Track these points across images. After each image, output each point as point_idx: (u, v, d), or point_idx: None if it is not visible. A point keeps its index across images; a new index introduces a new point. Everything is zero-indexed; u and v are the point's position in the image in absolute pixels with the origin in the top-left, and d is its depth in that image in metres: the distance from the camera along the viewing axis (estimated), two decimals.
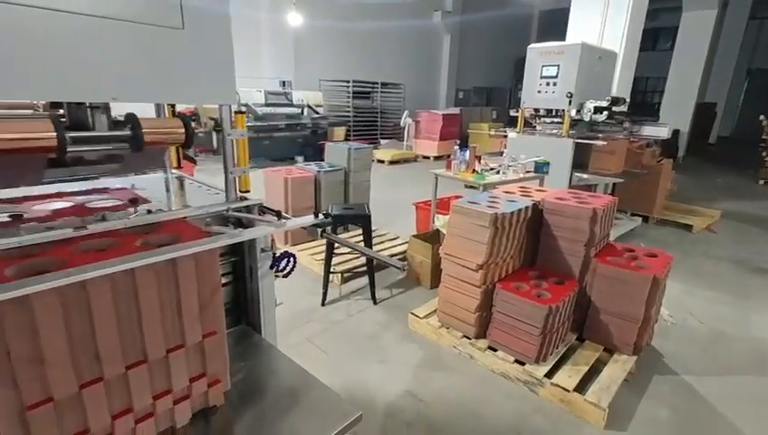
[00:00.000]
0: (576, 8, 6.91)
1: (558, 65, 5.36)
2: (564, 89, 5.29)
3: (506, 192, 3.44)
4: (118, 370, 1.13)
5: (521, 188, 3.61)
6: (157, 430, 1.26)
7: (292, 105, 10.95)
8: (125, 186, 1.87)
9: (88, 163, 1.36)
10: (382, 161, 11.11)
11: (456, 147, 4.65)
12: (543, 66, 5.48)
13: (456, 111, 13.68)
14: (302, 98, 11.19)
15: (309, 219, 1.45)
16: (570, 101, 5.23)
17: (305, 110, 11.14)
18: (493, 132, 6.96)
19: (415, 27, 15.27)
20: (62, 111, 1.71)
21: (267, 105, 10.33)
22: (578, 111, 5.41)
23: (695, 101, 12.41)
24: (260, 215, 1.70)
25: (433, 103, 16.31)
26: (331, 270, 3.80)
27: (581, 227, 2.91)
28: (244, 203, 1.64)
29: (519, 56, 18.38)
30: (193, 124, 1.56)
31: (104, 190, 1.72)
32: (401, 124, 12.63)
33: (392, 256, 4.58)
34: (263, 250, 1.76)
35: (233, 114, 1.72)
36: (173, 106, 2.16)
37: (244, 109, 1.72)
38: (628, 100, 6.64)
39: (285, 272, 1.71)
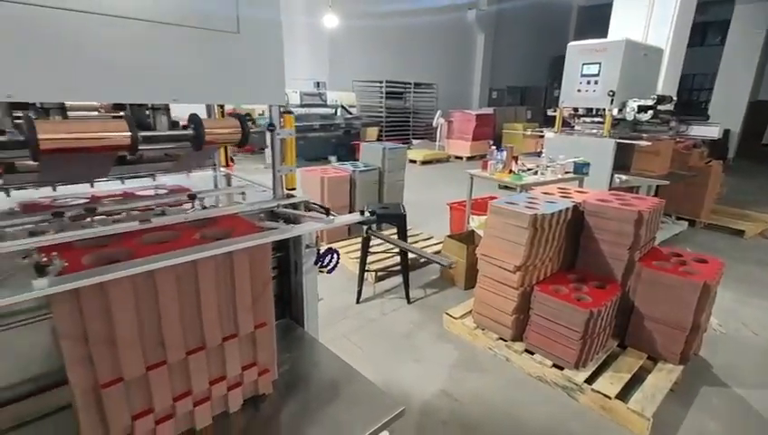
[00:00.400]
0: (620, 3, 6.66)
1: (599, 63, 5.20)
2: (606, 87, 5.13)
3: (545, 193, 3.38)
4: (179, 355, 1.21)
5: (560, 189, 3.53)
6: (212, 414, 1.33)
7: (326, 106, 11.12)
8: (178, 183, 1.97)
9: (147, 161, 1.45)
10: (414, 161, 11.11)
11: (493, 147, 4.59)
12: (584, 64, 5.33)
13: (490, 110, 13.49)
14: (335, 99, 11.35)
15: (355, 217, 1.49)
16: (611, 100, 5.07)
17: (339, 110, 11.30)
18: (529, 132, 6.82)
19: (448, 26, 15.17)
20: (122, 113, 1.84)
21: (302, 106, 10.54)
22: (620, 111, 5.23)
23: (747, 100, 11.70)
24: (306, 212, 1.75)
25: (466, 103, 16.14)
26: (366, 268, 3.85)
27: (625, 230, 2.82)
28: (292, 200, 1.70)
29: (555, 54, 17.91)
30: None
31: (161, 186, 1.83)
32: (434, 124, 12.58)
33: None
34: (307, 246, 1.81)
35: (281, 114, 1.79)
36: (222, 106, 2.27)
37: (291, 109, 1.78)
38: (674, 98, 6.35)
39: (329, 268, 1.75)
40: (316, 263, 1.77)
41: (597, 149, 5.00)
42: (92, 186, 1.75)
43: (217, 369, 1.31)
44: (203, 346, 1.25)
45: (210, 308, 1.24)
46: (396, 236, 3.77)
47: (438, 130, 12.48)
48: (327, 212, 1.44)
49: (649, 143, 4.84)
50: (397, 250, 4.08)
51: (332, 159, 10.54)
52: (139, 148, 1.21)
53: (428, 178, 9.50)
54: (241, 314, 1.32)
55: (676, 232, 5.68)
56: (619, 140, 4.95)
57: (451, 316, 3.32)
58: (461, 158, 12.02)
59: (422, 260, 4.52)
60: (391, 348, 3.12)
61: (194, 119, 1.34)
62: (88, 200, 1.48)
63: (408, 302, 3.77)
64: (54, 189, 1.68)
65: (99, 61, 1.23)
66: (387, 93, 12.88)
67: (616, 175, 5.11)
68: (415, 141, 13.60)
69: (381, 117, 12.91)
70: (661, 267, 2.80)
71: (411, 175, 9.24)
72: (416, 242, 4.95)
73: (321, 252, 1.78)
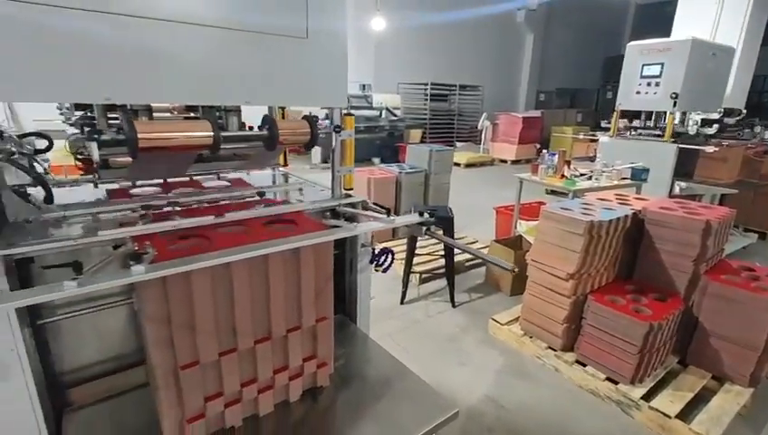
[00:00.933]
0: (685, 0, 6.28)
1: (662, 63, 4.92)
2: (668, 89, 4.85)
3: (601, 199, 3.25)
4: (248, 343, 1.28)
5: (617, 195, 3.39)
6: (274, 402, 1.39)
7: (371, 108, 11.25)
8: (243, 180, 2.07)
9: (220, 159, 1.54)
10: (458, 164, 11.00)
11: (544, 151, 4.47)
12: (644, 65, 5.07)
13: (537, 113, 13.12)
14: (380, 101, 11.45)
15: (414, 217, 1.51)
16: (674, 103, 4.79)
17: (383, 112, 11.39)
18: (581, 136, 6.57)
19: (496, 27, 14.90)
20: (192, 114, 1.96)
21: (348, 108, 10.71)
22: (681, 122, 4.94)
23: None
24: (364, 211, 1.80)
25: (512, 106, 15.77)
26: (411, 270, 3.86)
27: (691, 241, 2.66)
28: (350, 200, 1.74)
29: (609, 55, 17.15)
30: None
31: (226, 183, 1.93)
32: (478, 127, 12.41)
33: (470, 260, 4.53)
34: (363, 245, 1.85)
35: (342, 116, 1.84)
36: (283, 109, 2.36)
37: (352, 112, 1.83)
38: (743, 109, 5.91)
39: (384, 267, 1.78)
40: (372, 262, 1.80)
41: (656, 154, 4.74)
42: (165, 180, 1.88)
43: (280, 359, 1.37)
44: (269, 336, 1.32)
45: (277, 300, 1.30)
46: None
47: (483, 132, 12.29)
48: (388, 212, 1.47)
49: (716, 149, 4.53)
50: (441, 253, 4.06)
51: (376, 160, 10.64)
52: (223, 147, 1.29)
53: (472, 182, 9.37)
54: (305, 307, 1.38)
55: (745, 245, 5.27)
56: (681, 145, 4.67)
57: (497, 322, 3.26)
58: (506, 161, 11.76)
59: (467, 264, 4.48)
60: (436, 350, 3.11)
61: (267, 120, 1.41)
62: (160, 191, 1.60)
63: (453, 305, 3.74)
64: (134, 182, 1.82)
65: (183, 66, 1.32)
66: (431, 95, 12.85)
67: (677, 182, 4.83)
68: (458, 144, 13.45)
69: (425, 119, 12.88)
70: (731, 282, 2.61)
71: (454, 178, 9.11)
72: None
73: (377, 251, 1.81)
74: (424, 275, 4.15)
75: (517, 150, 11.58)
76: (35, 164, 1.44)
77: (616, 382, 2.58)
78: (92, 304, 1.41)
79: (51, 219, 1.41)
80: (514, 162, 11.58)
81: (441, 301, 3.82)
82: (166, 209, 1.40)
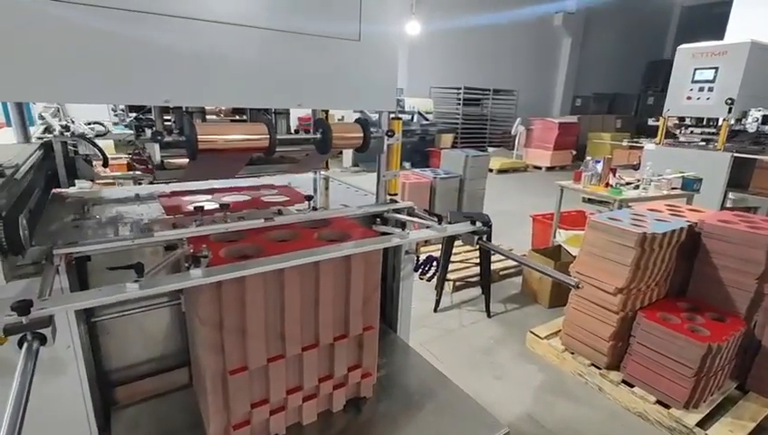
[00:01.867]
0: (741, 1, 5.94)
1: (716, 68, 4.67)
2: (723, 95, 4.59)
3: (652, 210, 3.08)
4: (296, 350, 1.25)
5: (669, 206, 3.20)
6: (317, 411, 1.36)
7: (403, 112, 11.22)
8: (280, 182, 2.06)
9: (271, 162, 1.53)
10: (490, 170, 10.79)
11: (589, 158, 4.30)
12: (696, 69, 4.82)
13: (574, 118, 12.74)
14: (412, 105, 11.41)
15: (467, 226, 1.45)
16: (730, 109, 4.52)
17: (415, 116, 11.34)
18: (625, 143, 6.31)
19: (532, 31, 14.58)
20: (237, 117, 1.97)
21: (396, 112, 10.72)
22: (738, 120, 4.64)
23: None
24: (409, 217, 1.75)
25: (547, 111, 15.38)
26: (446, 277, 3.78)
27: (755, 257, 2.47)
28: (396, 205, 1.70)
29: (651, 59, 16.48)
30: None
31: (271, 186, 1.92)
32: (512, 132, 12.15)
33: (505, 269, 4.41)
34: (407, 252, 1.80)
35: (390, 120, 1.80)
36: (326, 111, 2.35)
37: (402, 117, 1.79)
38: None
39: (429, 275, 1.73)
40: (416, 270, 1.75)
41: (708, 163, 4.49)
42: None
43: (326, 367, 1.34)
44: (316, 343, 1.28)
45: (326, 307, 1.27)
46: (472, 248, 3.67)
47: (517, 138, 12.03)
48: (439, 219, 1.41)
49: None
50: (475, 260, 3.95)
51: (407, 165, 10.58)
52: (278, 150, 1.27)
53: (505, 188, 9.17)
54: (352, 315, 1.34)
55: None
56: (736, 154, 4.40)
57: (536, 335, 3.14)
58: (540, 168, 11.46)
59: (501, 273, 4.35)
60: (471, 361, 3.02)
61: (321, 124, 1.39)
62: (209, 194, 1.60)
63: (488, 315, 3.63)
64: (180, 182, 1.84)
65: (236, 68, 1.32)
66: (464, 100, 12.69)
67: (730, 193, 4.55)
68: (491, 149, 13.21)
69: (457, 123, 12.74)
70: None
71: (487, 184, 9.00)
72: (494, 253, 4.77)
73: (423, 259, 1.76)
74: (458, 283, 4.05)
75: (552, 157, 11.26)
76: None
77: (667, 406, 2.42)
78: (141, 305, 1.42)
79: (106, 218, 1.44)
80: (549, 169, 11.27)
81: (475, 310, 3.72)
82: (216, 213, 1.39)
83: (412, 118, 11.34)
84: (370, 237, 1.29)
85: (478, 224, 1.43)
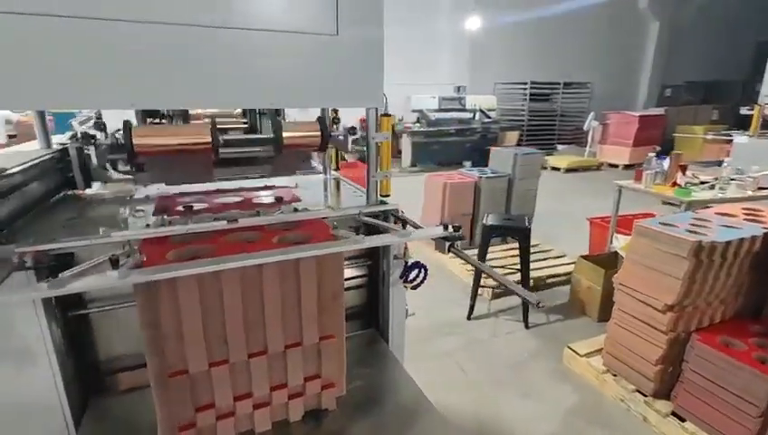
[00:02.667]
0: None
1: None
2: None
3: (722, 214, 2.61)
4: (241, 355, 1.21)
5: (746, 210, 2.70)
6: (272, 419, 1.31)
7: (464, 110, 10.91)
8: (288, 185, 2.05)
9: (248, 163, 1.52)
10: (557, 169, 10.09)
11: (652, 153, 3.79)
12: None
13: (660, 111, 11.42)
14: (474, 102, 11.04)
15: (437, 231, 1.31)
16: None
17: (477, 114, 10.96)
18: (710, 136, 5.49)
19: (610, 17, 13.34)
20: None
21: (439, 111, 10.53)
22: None
23: None
24: (394, 221, 1.64)
25: (628, 103, 13.95)
26: (482, 283, 3.56)
27: None
28: (375, 208, 1.60)
29: (763, 39, 14.22)
30: None
31: (269, 188, 1.91)
32: (584, 128, 11.22)
33: (554, 276, 4.04)
34: (395, 257, 1.69)
35: (378, 117, 1.70)
36: (336, 111, 2.31)
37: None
38: None
39: (414, 284, 1.60)
40: (401, 276, 1.63)
41: None
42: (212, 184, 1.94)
43: (279, 376, 1.29)
44: (264, 350, 1.24)
45: (272, 313, 1.22)
46: (517, 252, 3.40)
47: (590, 133, 11.08)
48: (404, 224, 1.29)
49: None
50: (517, 266, 3.67)
51: (467, 164, 10.25)
52: (224, 151, 1.26)
53: (572, 188, 8.50)
54: (306, 323, 1.27)
55: None
56: None
57: (574, 352, 2.82)
58: (616, 166, 10.43)
59: (548, 280, 4.00)
60: (498, 375, 2.79)
61: (274, 123, 1.34)
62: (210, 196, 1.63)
63: (526, 326, 3.35)
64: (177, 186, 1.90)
65: (206, 70, 1.32)
66: (531, 95, 11.99)
67: None
68: (560, 147, 12.34)
69: (523, 120, 12.08)
70: None
71: (552, 183, 8.43)
72: (544, 259, 4.41)
73: (409, 265, 1.64)
74: (496, 290, 3.80)
75: (631, 154, 10.18)
76: None
77: None
78: (120, 301, 1.45)
79: (97, 218, 1.52)
80: (627, 167, 10.20)
81: (513, 320, 3.45)
82: (181, 212, 1.41)
83: (474, 116, 10.98)
84: (322, 242, 1.21)
85: (450, 229, 1.28)
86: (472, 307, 3.50)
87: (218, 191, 1.79)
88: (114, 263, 1.00)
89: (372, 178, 1.72)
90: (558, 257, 4.44)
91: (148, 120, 1.89)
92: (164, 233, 1.26)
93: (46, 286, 0.91)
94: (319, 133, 1.44)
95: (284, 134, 1.36)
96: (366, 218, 1.46)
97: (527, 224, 3.35)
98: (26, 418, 1.29)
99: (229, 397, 1.23)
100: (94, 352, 1.49)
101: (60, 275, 0.94)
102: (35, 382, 1.27)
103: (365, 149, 1.63)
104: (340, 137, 1.51)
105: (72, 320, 1.39)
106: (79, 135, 1.79)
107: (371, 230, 1.59)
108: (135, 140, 1.19)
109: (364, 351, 1.76)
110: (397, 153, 11.03)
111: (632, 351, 2.48)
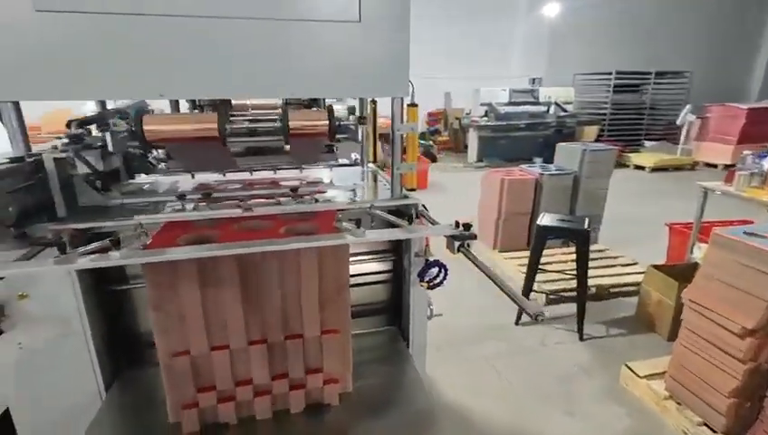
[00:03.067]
0: None
1: None
2: None
3: None
4: (241, 342, 1.23)
5: None
6: (273, 408, 1.32)
7: (537, 103, 10.28)
8: (320, 176, 2.05)
9: (264, 153, 1.53)
10: (642, 168, 9.15)
11: (748, 152, 3.25)
12: None
13: None
14: (549, 95, 10.35)
15: (444, 229, 1.22)
16: None
17: (551, 107, 10.27)
18: None
19: None
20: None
21: (509, 104, 10.04)
22: None
23: None
24: (415, 216, 1.57)
25: (737, 95, 12.17)
26: (534, 288, 3.32)
27: None
28: (399, 202, 1.54)
29: None
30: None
31: (302, 179, 1.93)
32: (677, 122, 10.01)
33: (620, 285, 3.65)
34: (417, 254, 1.62)
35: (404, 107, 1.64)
36: (375, 102, 2.26)
37: (416, 102, 1.62)
38: None
39: (432, 284, 1.52)
40: (419, 275, 1.56)
41: None
42: (251, 173, 2.00)
43: (279, 366, 1.29)
44: (264, 339, 1.25)
45: (271, 303, 1.22)
46: (574, 256, 3.12)
47: (684, 129, 9.86)
48: (410, 220, 1.22)
49: None
50: (576, 272, 3.37)
51: (537, 160, 9.65)
52: (232, 140, 1.28)
53: (657, 190, 7.65)
54: (306, 315, 1.26)
55: None
56: None
57: (633, 371, 2.52)
58: (715, 166, 9.19)
59: (612, 290, 3.63)
60: (542, 388, 2.59)
61: (283, 110, 1.34)
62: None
63: (581, 338, 3.07)
64: (224, 175, 1.99)
65: (228, 61, 1.35)
66: (616, 86, 10.94)
67: None
68: (648, 143, 11.13)
69: (605, 114, 11.08)
70: None
71: (632, 183, 7.68)
72: (612, 266, 4.01)
73: (428, 263, 1.56)
74: (551, 296, 3.53)
75: (734, 152, 8.85)
76: None
77: None
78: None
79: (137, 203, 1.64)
80: (729, 167, 8.92)
81: (565, 329, 3.18)
82: (199, 198, 1.46)
83: (548, 109, 10.31)
84: (321, 234, 1.18)
85: (460, 228, 1.19)
86: (521, 312, 3.29)
87: (261, 182, 1.84)
88: (116, 244, 1.06)
89: (396, 170, 1.66)
90: (628, 265, 4.01)
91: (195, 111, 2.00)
92: (171, 218, 1.32)
93: (52, 262, 0.98)
94: (325, 121, 1.41)
95: (291, 123, 1.35)
96: (376, 212, 1.41)
97: (585, 227, 3.05)
98: (65, 379, 1.43)
99: (229, 381, 1.26)
100: (134, 325, 1.61)
101: (67, 251, 1.02)
102: (71, 350, 1.40)
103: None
104: (351, 126, 1.46)
105: (114, 294, 1.51)
106: (66, 139, 1.52)
107: (392, 225, 1.54)
108: (145, 127, 1.25)
109: (382, 348, 1.72)
110: (463, 148, 10.73)
111: (701, 378, 2.15)
